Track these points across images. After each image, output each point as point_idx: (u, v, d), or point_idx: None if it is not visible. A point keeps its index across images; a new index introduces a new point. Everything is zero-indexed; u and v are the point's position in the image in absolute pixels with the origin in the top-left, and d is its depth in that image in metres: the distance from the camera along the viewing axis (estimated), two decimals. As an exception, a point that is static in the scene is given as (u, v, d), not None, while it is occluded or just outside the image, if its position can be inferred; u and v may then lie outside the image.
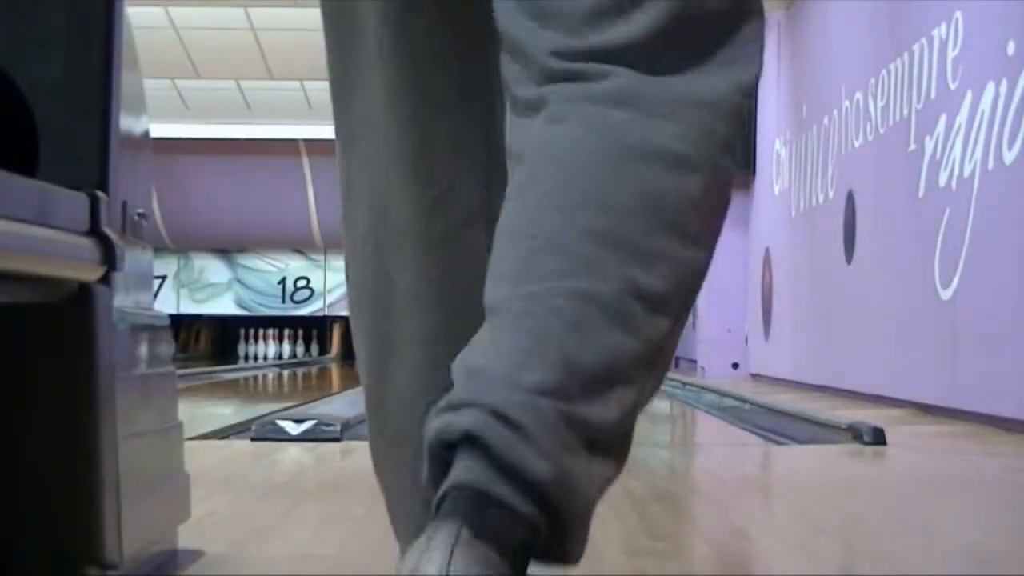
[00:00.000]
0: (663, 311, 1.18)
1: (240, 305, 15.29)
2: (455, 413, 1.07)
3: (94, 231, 1.67)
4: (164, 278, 14.92)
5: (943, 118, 5.89)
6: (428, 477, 1.10)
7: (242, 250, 15.20)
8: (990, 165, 5.28)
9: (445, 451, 1.08)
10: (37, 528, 1.66)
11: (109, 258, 1.68)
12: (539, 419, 1.06)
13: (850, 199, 7.66)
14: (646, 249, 1.14)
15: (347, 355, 15.50)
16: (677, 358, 14.51)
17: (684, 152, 1.14)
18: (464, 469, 1.06)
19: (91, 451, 1.65)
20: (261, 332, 15.83)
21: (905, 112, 6.51)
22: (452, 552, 1.06)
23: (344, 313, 15.39)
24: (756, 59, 1.20)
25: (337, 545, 2.44)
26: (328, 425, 4.48)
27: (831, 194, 8.17)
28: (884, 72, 6.94)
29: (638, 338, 1.14)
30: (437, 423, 1.09)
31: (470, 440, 1.06)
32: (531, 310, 1.10)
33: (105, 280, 1.69)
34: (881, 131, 6.99)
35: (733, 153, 1.19)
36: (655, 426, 7.04)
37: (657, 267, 1.15)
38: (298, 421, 4.48)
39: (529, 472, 1.06)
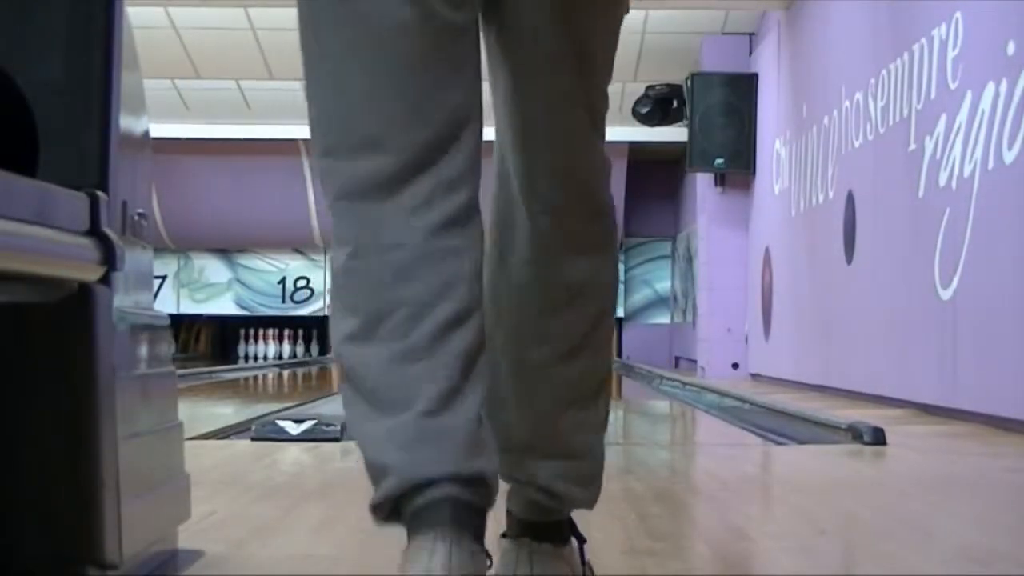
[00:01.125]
0: None
1: (240, 305, 15.30)
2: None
3: (94, 231, 1.67)
4: (164, 278, 14.92)
5: (943, 118, 5.89)
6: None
7: (242, 250, 15.20)
8: (990, 165, 5.28)
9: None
10: (37, 528, 1.66)
11: (109, 258, 1.68)
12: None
13: (850, 199, 7.66)
14: None
15: (347, 355, 15.50)
16: (677, 358, 14.52)
17: None
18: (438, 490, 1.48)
19: (91, 451, 1.65)
20: (261, 332, 15.83)
21: (905, 112, 6.51)
22: (451, 552, 1.45)
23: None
24: None
25: (337, 545, 2.44)
26: (328, 425, 4.48)
27: (831, 194, 8.17)
28: (884, 72, 6.94)
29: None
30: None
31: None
32: None
33: (105, 280, 1.69)
34: (881, 131, 6.99)
35: None
36: (655, 426, 7.04)
37: None
38: (298, 421, 4.48)
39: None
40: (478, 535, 1.49)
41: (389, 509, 1.54)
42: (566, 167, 1.71)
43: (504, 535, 1.77)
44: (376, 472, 1.54)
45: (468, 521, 1.48)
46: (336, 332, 1.59)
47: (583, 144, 1.71)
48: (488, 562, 1.52)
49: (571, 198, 1.72)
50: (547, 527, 1.75)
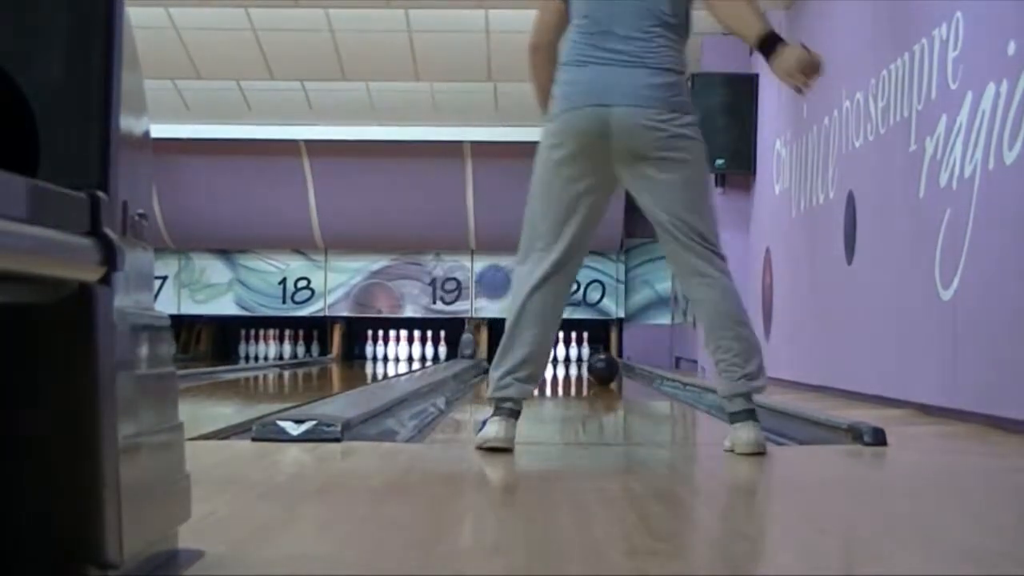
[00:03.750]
0: None
1: (241, 305, 15.30)
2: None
3: (94, 231, 1.67)
4: (165, 278, 14.92)
5: (943, 118, 5.89)
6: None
7: (243, 250, 15.20)
8: (991, 165, 5.27)
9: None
10: (37, 528, 1.66)
11: (109, 258, 1.68)
12: None
13: (850, 199, 7.66)
14: None
15: (347, 355, 15.50)
16: (678, 359, 14.52)
17: None
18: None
19: (91, 451, 1.66)
20: (261, 332, 15.84)
21: (906, 112, 6.51)
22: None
23: (344, 313, 15.47)
24: None
25: (337, 545, 2.44)
26: (328, 425, 4.48)
27: (831, 194, 8.17)
28: (884, 72, 6.95)
29: None
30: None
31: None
32: None
33: (105, 280, 1.69)
34: (882, 131, 6.99)
35: None
36: (656, 426, 7.04)
37: None
38: (298, 421, 4.48)
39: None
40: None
41: None
42: None
43: None
44: None
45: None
46: None
47: None
48: None
49: None
50: None
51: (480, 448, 4.14)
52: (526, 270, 4.25)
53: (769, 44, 4.17)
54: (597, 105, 4.15)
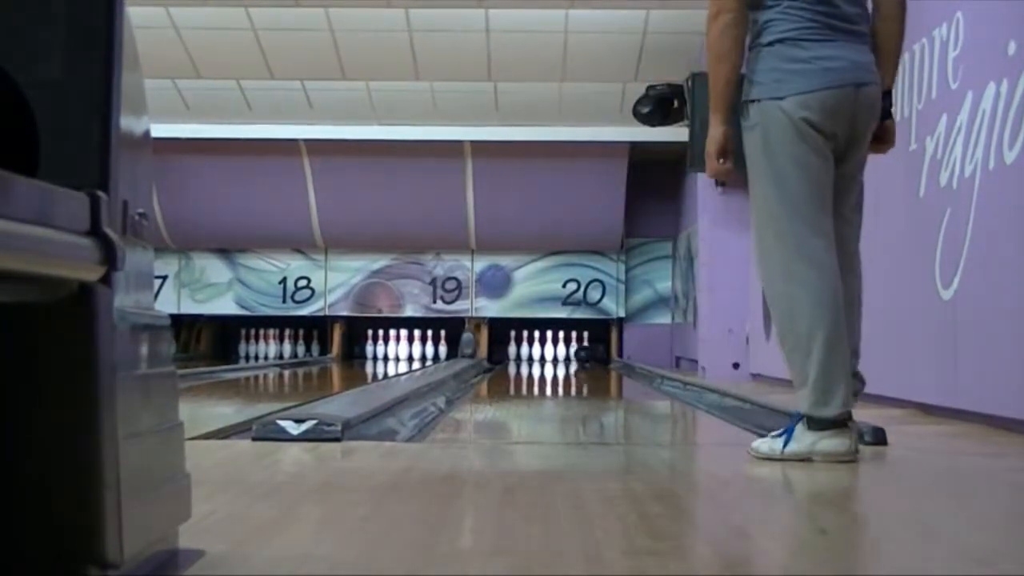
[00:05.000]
0: None
1: (241, 305, 15.30)
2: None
3: (94, 231, 1.67)
4: (165, 278, 14.92)
5: (944, 118, 5.89)
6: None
7: (243, 250, 15.20)
8: (991, 165, 5.28)
9: None
10: (37, 528, 1.66)
11: (109, 258, 1.68)
12: None
13: (851, 199, 7.65)
14: None
15: (347, 355, 15.50)
16: (677, 358, 14.52)
17: None
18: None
19: (91, 451, 1.66)
20: (262, 332, 15.84)
21: (906, 112, 6.51)
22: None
23: (344, 313, 15.46)
24: None
25: (337, 545, 2.44)
26: (329, 425, 4.48)
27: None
28: (885, 72, 6.94)
29: None
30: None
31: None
32: None
33: (105, 280, 1.69)
34: (882, 131, 6.98)
35: None
36: (656, 426, 7.04)
37: None
38: (299, 421, 4.48)
39: None
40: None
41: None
42: None
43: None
44: None
45: None
46: None
47: None
48: None
49: None
50: None
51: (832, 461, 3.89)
52: (818, 261, 3.92)
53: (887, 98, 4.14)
54: (855, 85, 4.00)
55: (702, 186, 11.48)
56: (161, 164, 11.88)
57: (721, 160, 4.11)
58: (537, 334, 15.51)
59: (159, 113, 12.25)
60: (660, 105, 11.73)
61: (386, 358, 15.51)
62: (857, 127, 4.06)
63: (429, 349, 15.55)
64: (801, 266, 3.92)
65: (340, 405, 5.90)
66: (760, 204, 4.08)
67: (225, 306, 15.29)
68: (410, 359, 15.38)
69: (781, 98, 4.00)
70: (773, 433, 4.05)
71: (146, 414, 1.90)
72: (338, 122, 13.55)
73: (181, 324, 14.91)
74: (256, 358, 15.60)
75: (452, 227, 14.66)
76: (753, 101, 4.02)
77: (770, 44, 4.01)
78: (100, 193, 1.71)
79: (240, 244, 15.10)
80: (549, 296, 15.10)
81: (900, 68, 6.79)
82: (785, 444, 3.95)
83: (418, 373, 11.63)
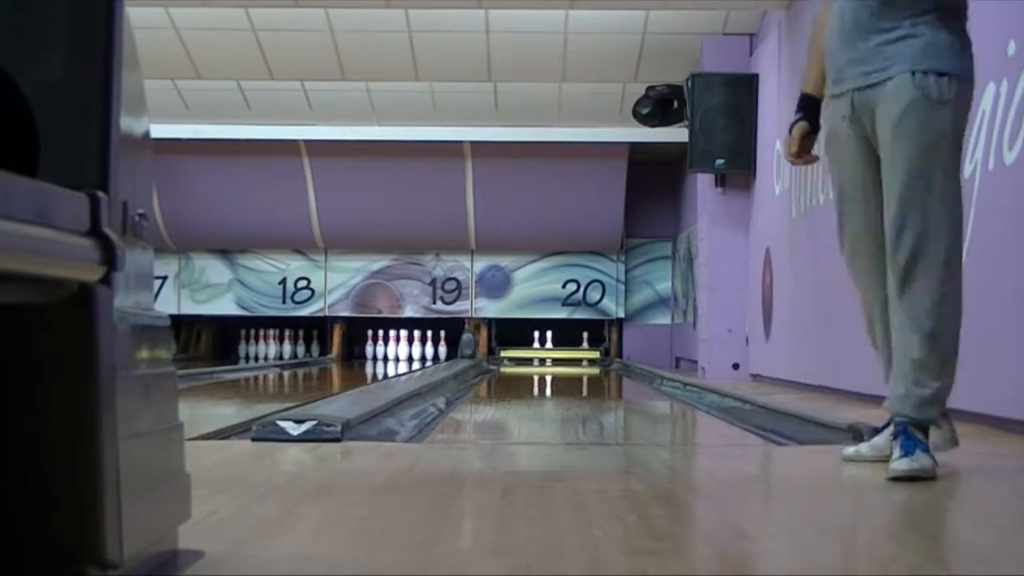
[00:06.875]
0: None
1: (241, 305, 15.30)
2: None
3: (94, 231, 1.67)
4: (165, 278, 14.92)
5: (943, 118, 5.88)
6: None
7: (243, 251, 15.20)
8: (991, 165, 5.28)
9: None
10: (37, 528, 1.66)
11: (109, 258, 1.68)
12: None
13: (850, 199, 7.65)
14: None
15: (347, 355, 15.50)
16: (677, 359, 14.52)
17: None
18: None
19: (91, 451, 1.66)
20: (262, 332, 15.84)
21: (905, 112, 6.51)
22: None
23: (344, 313, 15.46)
24: None
25: (337, 545, 2.45)
26: (328, 425, 4.48)
27: (832, 194, 8.16)
28: (884, 72, 6.94)
29: None
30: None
31: None
32: None
33: (105, 280, 1.69)
34: (881, 131, 6.98)
35: None
36: (655, 426, 7.04)
37: None
38: (298, 421, 4.48)
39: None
40: None
41: None
42: None
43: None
44: None
45: None
46: None
47: None
48: None
49: None
50: None
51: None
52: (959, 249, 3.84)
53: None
54: None
55: (701, 186, 11.48)
56: (161, 164, 11.88)
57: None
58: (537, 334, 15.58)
59: (159, 113, 12.25)
60: (660, 106, 11.73)
61: (386, 358, 15.51)
62: None
63: (429, 350, 15.55)
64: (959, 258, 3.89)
65: (340, 406, 5.90)
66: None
67: (225, 307, 15.29)
68: (410, 360, 15.38)
69: (961, 86, 3.81)
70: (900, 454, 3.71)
71: (146, 414, 1.90)
72: (338, 123, 13.55)
73: (181, 325, 14.90)
74: (256, 359, 15.61)
75: (452, 228, 14.66)
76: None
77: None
78: (100, 193, 1.71)
79: (240, 245, 15.10)
80: (549, 296, 15.10)
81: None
82: (925, 451, 3.72)
83: (418, 374, 11.63)
